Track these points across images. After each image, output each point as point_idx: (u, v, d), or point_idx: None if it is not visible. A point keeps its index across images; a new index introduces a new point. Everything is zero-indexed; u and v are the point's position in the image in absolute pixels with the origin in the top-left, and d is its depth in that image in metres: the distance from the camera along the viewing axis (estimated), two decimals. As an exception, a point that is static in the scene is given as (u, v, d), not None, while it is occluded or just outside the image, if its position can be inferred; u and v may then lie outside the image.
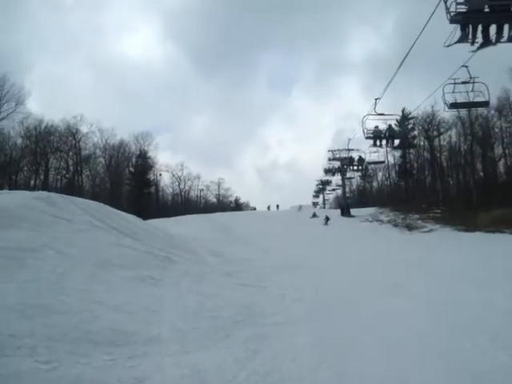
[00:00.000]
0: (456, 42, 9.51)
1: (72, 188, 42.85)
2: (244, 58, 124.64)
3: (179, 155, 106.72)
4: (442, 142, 46.34)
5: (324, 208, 57.68)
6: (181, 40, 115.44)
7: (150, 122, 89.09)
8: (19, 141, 45.97)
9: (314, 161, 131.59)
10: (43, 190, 11.85)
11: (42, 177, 47.74)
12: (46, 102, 75.69)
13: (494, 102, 26.39)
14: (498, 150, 41.83)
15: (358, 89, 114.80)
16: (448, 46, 9.71)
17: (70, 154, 50.10)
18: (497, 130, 41.56)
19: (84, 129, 50.87)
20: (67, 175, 49.94)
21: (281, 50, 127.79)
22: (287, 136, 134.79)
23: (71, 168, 50.50)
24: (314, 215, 35.96)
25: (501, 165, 41.84)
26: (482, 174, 41.78)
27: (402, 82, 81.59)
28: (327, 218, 31.82)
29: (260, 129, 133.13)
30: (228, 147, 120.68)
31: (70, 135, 49.64)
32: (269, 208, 58.11)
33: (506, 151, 41.30)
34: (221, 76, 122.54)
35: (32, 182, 45.19)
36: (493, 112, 39.47)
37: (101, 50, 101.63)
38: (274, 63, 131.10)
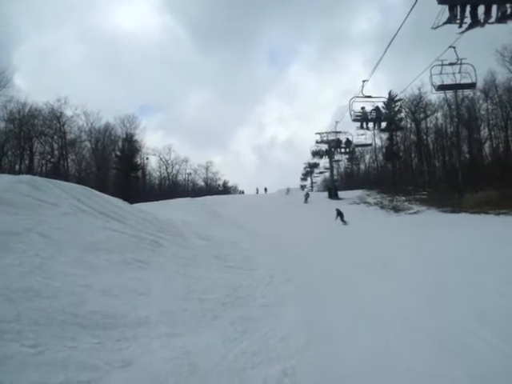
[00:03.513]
0: (444, 23, 9.46)
1: (57, 172, 42.19)
2: (244, 32, 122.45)
3: (171, 135, 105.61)
4: (428, 124, 46.68)
5: (312, 191, 57.89)
6: (179, 12, 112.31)
7: (141, 101, 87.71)
8: (2, 124, 44.94)
9: (309, 142, 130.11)
10: (28, 174, 11.63)
11: (26, 161, 46.93)
12: (34, 78, 74.48)
13: (480, 84, 26.46)
14: (484, 133, 42.28)
15: (360, 64, 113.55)
16: (436, 27, 9.66)
17: (55, 137, 49.19)
18: (483, 112, 41.92)
19: (69, 112, 49.90)
20: (52, 159, 49.11)
21: (282, 24, 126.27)
22: (284, 114, 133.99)
23: (56, 152, 49.60)
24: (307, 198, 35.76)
25: (486, 147, 42.38)
26: (467, 156, 42.15)
27: (392, 63, 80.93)
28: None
29: (257, 107, 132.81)
30: (222, 127, 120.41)
31: (55, 119, 48.71)
32: (257, 191, 58.07)
33: (492, 133, 41.73)
34: (219, 51, 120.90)
35: (17, 167, 44.40)
36: (479, 94, 39.74)
37: (92, 23, 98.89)
38: (275, 38, 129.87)
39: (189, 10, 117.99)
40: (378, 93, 21.93)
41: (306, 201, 33.63)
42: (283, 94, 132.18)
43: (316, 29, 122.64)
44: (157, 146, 66.40)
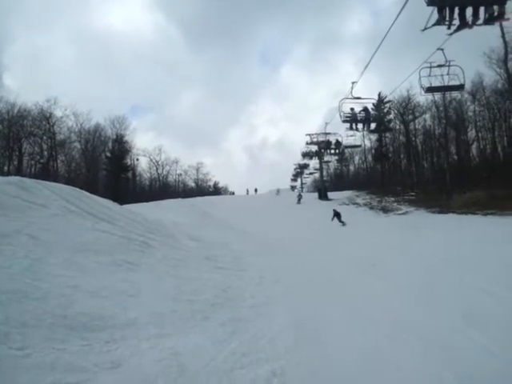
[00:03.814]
0: (433, 25, 9.56)
1: (47, 173, 41.79)
2: (236, 31, 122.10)
3: (162, 135, 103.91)
4: (417, 126, 47.03)
5: (302, 191, 58.04)
6: (170, 11, 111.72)
7: (132, 101, 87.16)
8: (-9, 125, 44.60)
9: (299, 143, 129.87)
10: (17, 175, 11.54)
11: (15, 162, 46.47)
12: (24, 78, 73.70)
13: (467, 86, 26.70)
14: (472, 134, 42.70)
15: (352, 65, 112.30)
16: (425, 29, 9.77)
17: (44, 138, 48.70)
18: (470, 113, 42.33)
19: (58, 113, 49.47)
20: (41, 160, 48.61)
21: (275, 24, 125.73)
22: (276, 115, 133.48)
23: (46, 153, 49.14)
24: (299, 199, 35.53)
25: (474, 148, 42.80)
26: (455, 157, 42.53)
27: (384, 64, 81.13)
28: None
29: (248, 108, 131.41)
30: (213, 127, 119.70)
31: (44, 119, 48.26)
32: (247, 192, 58.13)
33: (479, 135, 42.18)
34: (211, 50, 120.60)
35: (5, 168, 43.92)
36: (466, 96, 40.12)
37: (84, 22, 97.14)
38: (268, 38, 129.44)
39: (181, 8, 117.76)
40: (370, 94, 22.27)
41: (298, 201, 33.78)
42: (275, 94, 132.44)
43: (308, 29, 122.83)
44: (147, 146, 66.38)
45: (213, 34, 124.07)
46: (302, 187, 62.62)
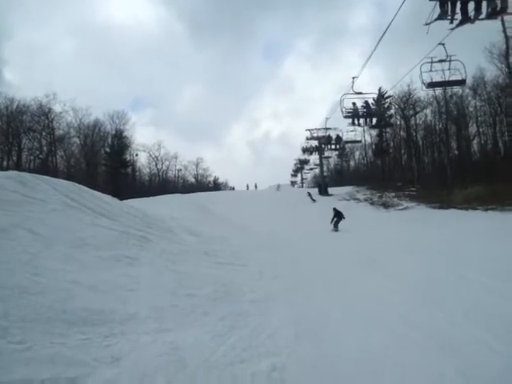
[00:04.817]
0: (435, 20, 9.54)
1: (46, 169, 41.74)
2: (239, 23, 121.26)
3: (163, 130, 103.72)
4: (417, 121, 46.86)
5: (302, 187, 58.01)
6: (173, 4, 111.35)
7: (132, 95, 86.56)
8: (-10, 121, 44.56)
9: (302, 137, 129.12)
10: (16, 170, 11.51)
11: (14, 158, 46.47)
12: (24, 73, 74.00)
13: (468, 80, 26.58)
14: (472, 129, 42.61)
15: (357, 58, 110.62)
16: (427, 24, 9.73)
17: (44, 134, 48.67)
18: (471, 108, 42.25)
19: (57, 108, 49.40)
20: (41, 156, 48.61)
21: (278, 17, 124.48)
22: (279, 109, 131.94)
23: (45, 148, 49.13)
24: (310, 197, 33.51)
25: (474, 143, 42.75)
26: (456, 152, 42.47)
27: (389, 58, 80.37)
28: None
29: (251, 102, 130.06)
30: (215, 121, 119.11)
31: (43, 115, 48.22)
32: (247, 187, 58.13)
33: (480, 130, 42.07)
34: (213, 43, 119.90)
35: (5, 163, 43.90)
36: (467, 91, 40.05)
37: (83, 14, 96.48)
38: (271, 30, 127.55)
39: (183, 2, 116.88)
40: (374, 88, 22.06)
41: (313, 200, 32.55)
42: (278, 88, 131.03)
43: (312, 22, 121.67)
44: (147, 142, 66.03)
45: (215, 28, 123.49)
46: (302, 183, 62.68)
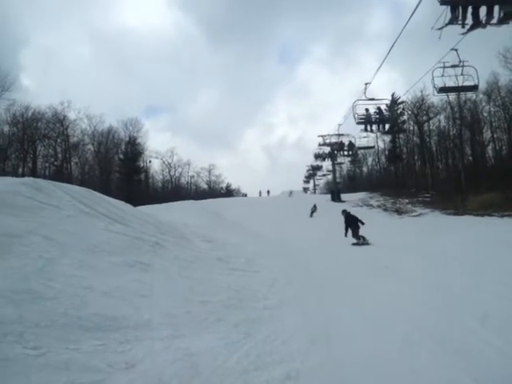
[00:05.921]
0: (446, 25, 9.46)
1: (61, 175, 42.29)
2: (255, 28, 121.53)
3: (177, 136, 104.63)
4: (431, 127, 46.58)
5: (314, 193, 57.89)
6: (189, 8, 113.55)
7: (146, 102, 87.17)
8: (6, 128, 45.33)
9: (316, 142, 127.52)
10: (31, 177, 11.68)
11: (30, 164, 47.17)
12: (40, 79, 74.87)
13: (482, 86, 26.38)
14: (487, 135, 42.25)
15: (374, 62, 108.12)
16: (438, 28, 9.66)
17: (58, 141, 49.58)
18: (485, 114, 41.95)
19: (72, 115, 50.32)
20: (55, 163, 49.38)
21: (294, 22, 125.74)
22: (294, 114, 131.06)
23: (59, 155, 49.95)
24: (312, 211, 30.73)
25: (489, 149, 42.29)
26: (470, 158, 42.09)
27: (408, 63, 79.45)
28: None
29: (265, 107, 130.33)
30: (229, 127, 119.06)
31: (58, 122, 49.03)
32: (260, 194, 58.23)
33: (495, 135, 41.66)
34: (229, 47, 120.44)
35: (20, 170, 44.57)
36: (481, 96, 39.77)
37: (98, 21, 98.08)
38: (287, 34, 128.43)
39: (198, 6, 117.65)
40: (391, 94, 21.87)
41: (311, 215, 29.95)
42: (293, 92, 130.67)
43: (328, 26, 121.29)
44: (160, 148, 66.59)
45: (231, 32, 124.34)
46: (314, 189, 62.57)
